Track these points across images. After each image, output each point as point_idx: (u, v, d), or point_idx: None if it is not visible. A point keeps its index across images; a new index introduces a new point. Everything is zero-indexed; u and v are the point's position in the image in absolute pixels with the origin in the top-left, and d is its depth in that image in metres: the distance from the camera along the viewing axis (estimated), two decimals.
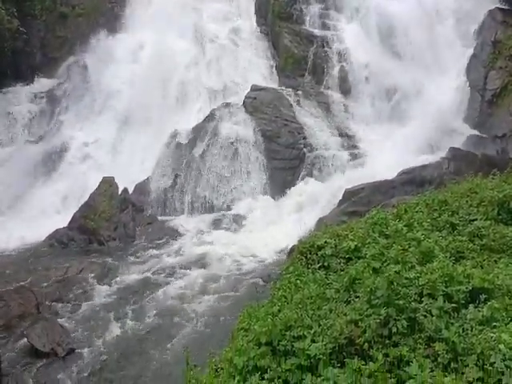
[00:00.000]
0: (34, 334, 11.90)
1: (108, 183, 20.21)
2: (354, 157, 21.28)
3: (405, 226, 6.90)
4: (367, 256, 6.08)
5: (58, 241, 18.79)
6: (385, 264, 5.58)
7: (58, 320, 12.98)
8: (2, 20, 24.23)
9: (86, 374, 11.01)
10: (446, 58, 23.04)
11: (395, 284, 4.75)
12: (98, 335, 12.43)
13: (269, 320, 5.17)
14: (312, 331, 4.90)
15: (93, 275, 15.70)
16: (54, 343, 11.73)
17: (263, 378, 4.43)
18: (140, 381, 10.76)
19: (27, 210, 21.47)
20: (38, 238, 18.77)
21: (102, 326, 12.87)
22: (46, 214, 21.14)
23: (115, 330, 12.69)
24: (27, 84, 26.51)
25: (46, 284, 14.98)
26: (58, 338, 11.94)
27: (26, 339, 11.83)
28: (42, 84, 26.89)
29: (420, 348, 4.26)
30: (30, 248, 18.31)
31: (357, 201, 17.33)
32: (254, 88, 24.01)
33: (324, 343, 4.60)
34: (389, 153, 20.06)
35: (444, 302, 4.72)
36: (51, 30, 27.69)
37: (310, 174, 21.13)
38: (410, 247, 6.01)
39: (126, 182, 20.98)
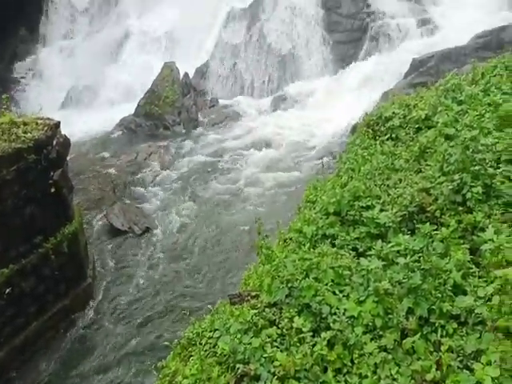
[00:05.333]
0: (113, 214, 12.75)
1: (169, 68, 20.11)
2: (423, 23, 19.61)
3: (481, 90, 6.41)
4: (439, 124, 5.75)
5: (127, 128, 19.34)
6: (459, 131, 5.27)
7: (133, 202, 13.76)
8: None
9: (161, 248, 11.84)
10: None
11: (470, 150, 4.50)
12: (170, 214, 13.13)
13: (336, 191, 5.14)
14: (381, 201, 4.85)
15: (161, 159, 16.24)
16: (131, 222, 12.56)
17: (333, 245, 4.51)
18: (213, 248, 11.45)
19: (95, 100, 22.00)
20: (107, 127, 19.40)
21: (173, 206, 13.54)
22: (112, 102, 21.58)
23: (185, 209, 13.32)
24: None
25: (119, 169, 15.70)
26: (134, 217, 12.74)
27: (106, 219, 12.73)
28: None
29: (496, 214, 4.11)
30: (101, 136, 19.00)
31: (424, 71, 16.28)
32: None
33: (394, 212, 4.55)
34: (461, 14, 18.28)
35: None
36: None
37: (374, 47, 19.87)
38: (486, 112, 5.62)
39: (187, 66, 20.75)
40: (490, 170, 4.38)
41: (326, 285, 3.76)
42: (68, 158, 10.29)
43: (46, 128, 9.32)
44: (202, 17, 22.40)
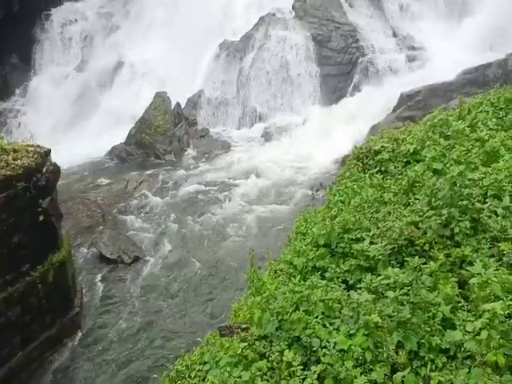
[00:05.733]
0: (102, 242, 12.67)
1: (161, 98, 20.32)
2: (411, 59, 20.14)
3: (468, 126, 6.57)
4: (427, 158, 5.87)
5: (118, 156, 19.40)
6: (447, 165, 5.38)
7: (122, 230, 13.70)
8: None
9: (150, 278, 11.74)
10: None
11: (458, 185, 4.59)
12: (159, 243, 13.08)
13: (327, 223, 5.19)
14: (370, 233, 4.90)
15: (151, 188, 16.25)
16: (120, 251, 12.48)
17: (323, 278, 4.53)
18: (200, 282, 11.37)
19: (86, 128, 22.08)
20: (98, 155, 19.45)
21: (162, 234, 13.49)
22: (103, 131, 21.66)
23: (175, 238, 13.28)
24: (80, 2, 26.22)
25: (109, 197, 15.67)
26: (123, 246, 12.67)
27: (94, 248, 12.63)
28: (93, 2, 26.52)
29: (484, 248, 4.17)
30: (92, 163, 19.02)
31: (412, 105, 16.64)
32: None
33: (383, 244, 4.59)
34: (449, 52, 18.81)
35: (510, 202, 4.55)
36: None
37: (364, 80, 20.30)
38: (473, 148, 5.75)
39: (179, 96, 20.99)
40: (478, 205, 4.47)
41: (317, 318, 3.77)
42: (58, 186, 10.26)
43: (36, 155, 9.32)
44: (194, 48, 22.74)
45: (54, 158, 9.98)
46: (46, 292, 9.44)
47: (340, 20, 21.63)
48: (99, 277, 11.78)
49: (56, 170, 9.98)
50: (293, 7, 22.39)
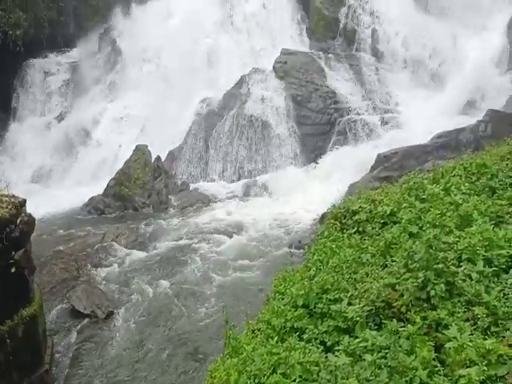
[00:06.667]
0: (75, 296, 12.37)
1: (141, 151, 20.47)
2: (387, 121, 20.90)
3: (442, 190, 6.78)
4: (403, 220, 6.01)
5: (95, 208, 19.27)
6: (422, 228, 5.52)
7: (97, 284, 13.43)
8: None
9: (124, 334, 11.42)
10: (484, 14, 22.04)
11: (433, 248, 4.71)
12: (135, 298, 12.82)
13: (305, 283, 5.22)
14: (348, 294, 4.93)
15: (128, 241, 16.10)
16: (94, 305, 12.18)
17: (301, 339, 4.52)
18: (176, 340, 11.11)
19: (64, 179, 22.06)
20: (75, 205, 19.30)
21: (138, 289, 13.24)
22: (82, 182, 21.65)
23: (151, 293, 13.05)
24: (62, 54, 26.83)
25: (84, 249, 15.43)
26: (97, 300, 12.38)
27: (68, 302, 12.31)
28: (75, 54, 27.17)
29: (459, 312, 4.24)
30: (68, 215, 18.85)
31: (389, 166, 17.10)
32: (284, 52, 23.65)
33: (361, 306, 4.63)
34: (423, 116, 19.60)
35: (484, 266, 4.66)
36: None
37: (341, 140, 20.89)
38: (447, 211, 5.91)
39: (159, 149, 21.20)
40: (453, 269, 4.57)
41: (294, 381, 3.74)
42: (32, 237, 10.09)
43: (10, 206, 9.17)
44: (176, 103, 23.23)
45: (30, 208, 9.87)
46: (14, 348, 9.08)
47: (319, 82, 22.44)
48: (71, 332, 11.41)
49: (31, 221, 9.83)
50: (273, 68, 23.21)
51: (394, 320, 4.16)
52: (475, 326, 4.06)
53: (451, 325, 3.98)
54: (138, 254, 15.28)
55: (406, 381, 3.54)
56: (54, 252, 14.99)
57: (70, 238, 16.48)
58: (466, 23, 22.12)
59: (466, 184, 6.99)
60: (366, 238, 6.40)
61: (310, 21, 25.72)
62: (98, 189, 19.96)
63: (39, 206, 17.71)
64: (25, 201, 9.64)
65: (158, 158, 20.99)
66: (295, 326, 4.72)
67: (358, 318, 4.49)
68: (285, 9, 26.51)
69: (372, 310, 4.57)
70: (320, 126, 21.60)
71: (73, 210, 19.07)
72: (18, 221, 9.32)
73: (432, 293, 4.38)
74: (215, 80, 24.57)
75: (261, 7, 26.29)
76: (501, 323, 4.05)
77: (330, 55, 23.88)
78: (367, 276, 5.16)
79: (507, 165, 7.35)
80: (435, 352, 3.86)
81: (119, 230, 16.81)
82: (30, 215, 9.76)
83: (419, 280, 4.47)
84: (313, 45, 25.09)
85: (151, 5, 26.48)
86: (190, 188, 20.84)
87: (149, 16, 25.95)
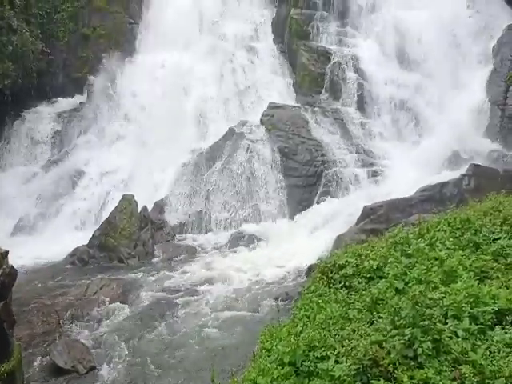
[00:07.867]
0: (56, 351, 11.99)
1: (128, 201, 20.42)
2: (372, 174, 21.26)
3: (427, 245, 6.86)
4: (389, 276, 6.05)
5: (79, 258, 19.00)
6: (408, 284, 5.55)
7: (79, 338, 13.07)
8: (27, 42, 24.93)
9: None
10: (464, 74, 22.95)
11: (420, 304, 4.72)
12: (118, 353, 12.46)
13: (292, 340, 5.16)
14: (335, 352, 4.89)
15: (113, 293, 15.79)
16: (75, 361, 11.80)
17: None
18: None
19: (49, 229, 21.81)
20: (59, 256, 19.01)
21: (121, 343, 12.90)
22: (66, 232, 21.43)
23: (135, 348, 12.71)
24: (50, 104, 27.19)
25: (67, 302, 15.09)
26: (79, 355, 12.00)
27: (48, 356, 11.93)
28: (63, 104, 27.55)
29: (446, 370, 4.21)
30: (52, 266, 18.53)
31: (375, 218, 17.25)
32: (272, 106, 24.21)
33: (348, 364, 4.58)
34: (407, 170, 20.00)
35: (470, 323, 4.67)
36: (73, 50, 28.49)
37: (328, 192, 21.12)
38: (432, 267, 5.97)
39: (146, 199, 21.19)
40: (439, 326, 4.57)
41: None
42: (13, 289, 9.88)
43: None
44: (163, 154, 23.45)
45: (13, 257, 9.72)
46: None
47: (306, 135, 22.89)
48: None
49: (13, 273, 9.64)
50: (261, 121, 23.68)
51: (382, 380, 4.12)
52: None
53: None
54: (122, 307, 14.96)
55: None
56: (36, 304, 14.64)
57: (52, 290, 16.15)
58: (448, 80, 22.96)
59: (451, 239, 7.10)
60: (353, 292, 6.40)
61: (297, 76, 26.48)
62: (83, 239, 19.75)
63: (22, 257, 17.51)
64: (7, 252, 9.50)
65: (145, 208, 20.95)
66: None
67: (345, 377, 4.44)
68: (272, 64, 27.37)
69: (359, 368, 4.52)
70: (307, 178, 21.86)
71: (57, 261, 18.78)
72: (0, 273, 9.16)
73: (419, 351, 4.37)
74: (203, 131, 24.97)
75: (249, 62, 27.09)
76: (488, 382, 4.03)
77: (316, 109, 24.45)
78: (354, 333, 5.13)
79: (490, 220, 7.49)
80: None
81: (103, 281, 16.51)
82: (11, 267, 9.59)
83: (406, 337, 4.47)
84: (299, 99, 25.71)
85: (140, 57, 27.26)
86: (177, 238, 20.72)
87: (138, 68, 26.65)
